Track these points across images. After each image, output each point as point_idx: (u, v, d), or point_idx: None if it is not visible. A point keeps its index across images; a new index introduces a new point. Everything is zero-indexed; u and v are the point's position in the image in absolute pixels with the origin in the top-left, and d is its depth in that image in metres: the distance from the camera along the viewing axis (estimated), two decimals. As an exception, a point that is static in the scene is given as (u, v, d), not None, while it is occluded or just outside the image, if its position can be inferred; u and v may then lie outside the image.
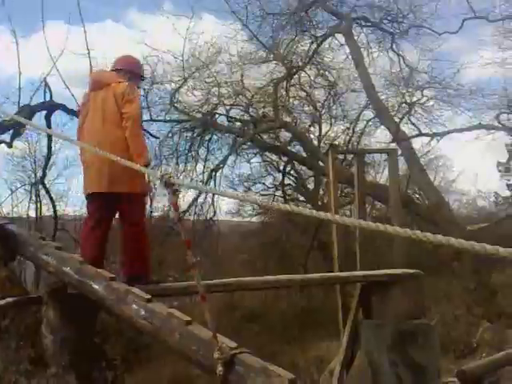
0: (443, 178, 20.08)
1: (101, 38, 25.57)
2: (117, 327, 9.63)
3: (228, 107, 15.80)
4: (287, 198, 16.98)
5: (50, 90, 11.90)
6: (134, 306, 3.32)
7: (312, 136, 16.50)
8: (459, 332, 9.79)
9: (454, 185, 20.30)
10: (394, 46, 15.65)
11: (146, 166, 4.08)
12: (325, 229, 12.75)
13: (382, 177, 16.53)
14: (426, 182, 14.31)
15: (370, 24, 15.87)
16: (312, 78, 16.11)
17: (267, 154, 16.69)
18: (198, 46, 14.73)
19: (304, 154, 15.94)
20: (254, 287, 6.08)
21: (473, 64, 21.39)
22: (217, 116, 15.81)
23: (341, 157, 14.86)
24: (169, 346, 3.12)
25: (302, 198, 17.61)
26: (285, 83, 15.61)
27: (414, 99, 15.55)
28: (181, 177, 14.87)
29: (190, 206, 14.84)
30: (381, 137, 16.43)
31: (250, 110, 15.87)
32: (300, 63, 15.62)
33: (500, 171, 23.48)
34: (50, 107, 12.05)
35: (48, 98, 11.94)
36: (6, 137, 11.75)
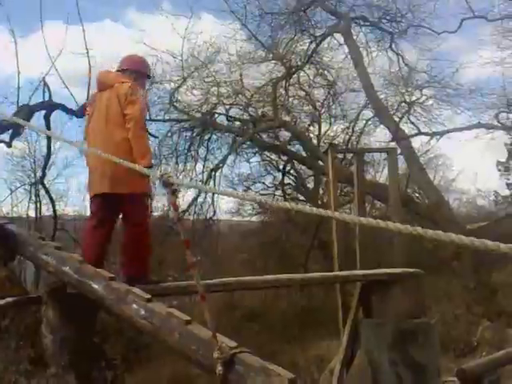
0: (443, 177, 20.11)
1: (99, 37, 25.60)
2: (117, 327, 9.63)
3: (227, 107, 15.81)
4: (287, 197, 16.97)
5: (48, 90, 11.90)
6: (134, 305, 3.31)
7: (311, 135, 16.52)
8: (459, 331, 9.80)
9: (453, 184, 20.34)
10: (393, 46, 15.66)
11: (149, 167, 4.09)
12: (325, 228, 12.76)
13: (382, 176, 16.55)
14: (426, 181, 14.31)
15: (368, 23, 15.86)
16: (311, 77, 16.12)
17: (267, 153, 16.70)
18: (196, 45, 14.73)
19: (303, 154, 15.94)
20: (253, 287, 6.08)
21: (472, 63, 21.52)
22: (216, 115, 15.82)
23: (340, 156, 14.86)
24: (168, 346, 3.12)
25: (301, 198, 17.60)
26: (284, 83, 15.61)
27: (414, 98, 15.57)
28: (180, 176, 14.87)
29: (189, 206, 14.85)
30: (380, 136, 16.46)
31: (250, 109, 15.87)
32: (299, 63, 15.61)
33: (499, 170, 23.51)
34: (49, 107, 12.04)
35: (47, 98, 11.94)
36: (6, 136, 11.76)
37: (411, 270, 6.13)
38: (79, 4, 11.76)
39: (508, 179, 24.01)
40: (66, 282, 3.94)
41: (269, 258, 15.54)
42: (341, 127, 16.82)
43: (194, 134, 15.37)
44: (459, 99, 14.85)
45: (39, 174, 14.20)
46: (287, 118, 15.82)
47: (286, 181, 17.06)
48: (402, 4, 15.20)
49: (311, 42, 15.60)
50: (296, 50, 15.68)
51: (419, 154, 15.35)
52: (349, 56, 15.24)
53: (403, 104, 15.50)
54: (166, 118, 15.06)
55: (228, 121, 15.98)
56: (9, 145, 12.01)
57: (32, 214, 15.55)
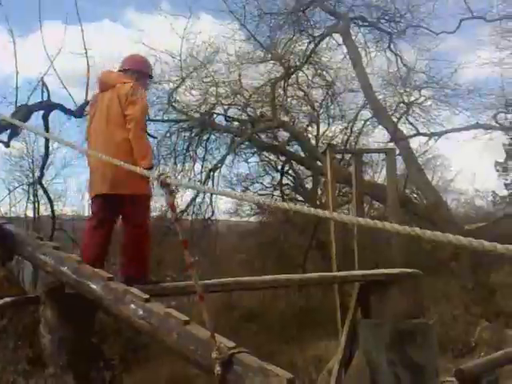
0: (441, 178, 20.14)
1: (98, 37, 25.60)
2: (115, 327, 9.63)
3: (226, 107, 15.81)
4: (285, 197, 16.98)
5: (47, 90, 11.88)
6: (132, 305, 3.31)
7: (310, 136, 16.53)
8: (457, 331, 9.81)
9: (451, 184, 20.37)
10: (391, 46, 15.67)
11: (150, 168, 4.11)
12: (323, 228, 12.76)
13: (380, 176, 16.57)
14: (424, 182, 14.32)
15: (367, 24, 15.87)
16: (310, 77, 16.14)
17: (265, 153, 16.71)
18: (195, 45, 14.73)
19: (302, 154, 15.95)
20: (252, 287, 6.08)
21: (470, 64, 21.36)
22: (215, 116, 15.82)
23: (339, 156, 14.88)
24: (167, 346, 3.12)
25: (300, 198, 17.61)
26: (282, 83, 15.61)
27: (412, 99, 15.58)
28: (179, 176, 14.88)
29: (188, 206, 14.86)
30: (379, 136, 16.47)
31: (248, 109, 15.87)
32: (298, 63, 15.61)
33: (498, 171, 23.56)
34: (48, 107, 12.03)
35: (45, 98, 11.92)
36: (4, 136, 11.73)
37: (409, 270, 6.13)
38: (78, 4, 11.74)
39: (506, 179, 24.08)
40: (64, 282, 3.93)
41: (267, 258, 15.54)
42: (339, 127, 16.87)
43: (193, 134, 15.39)
44: (457, 100, 14.89)
45: (37, 173, 14.20)
46: (286, 119, 15.83)
47: (285, 181, 17.09)
48: (400, 4, 15.24)
49: (310, 43, 15.62)
50: (295, 51, 15.70)
51: (417, 155, 15.38)
52: (347, 56, 15.25)
53: (402, 104, 15.51)
54: (165, 118, 15.07)
55: (226, 121, 15.99)
56: (7, 145, 11.98)
57: (30, 213, 15.57)
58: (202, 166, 15.43)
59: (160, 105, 14.86)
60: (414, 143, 15.30)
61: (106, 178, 4.21)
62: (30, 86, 12.12)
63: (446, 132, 15.04)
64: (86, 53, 11.62)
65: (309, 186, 17.44)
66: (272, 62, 15.63)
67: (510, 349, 6.24)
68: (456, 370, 5.23)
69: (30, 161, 15.80)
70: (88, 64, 11.60)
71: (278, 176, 16.97)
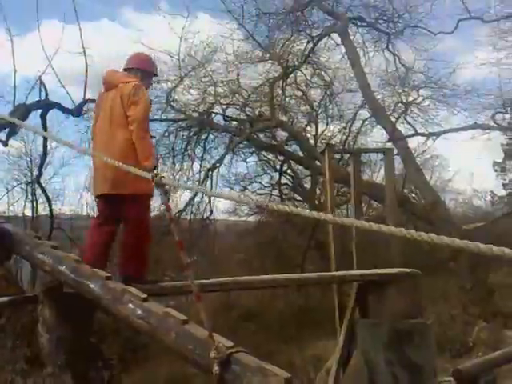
0: (439, 178, 20.17)
1: (96, 36, 25.59)
2: (114, 326, 9.62)
3: (224, 106, 15.81)
4: (284, 197, 17.00)
5: (45, 89, 11.88)
6: (131, 305, 3.31)
7: (308, 135, 16.53)
8: (455, 331, 9.83)
9: (450, 184, 20.40)
10: (389, 46, 15.65)
11: (153, 168, 4.16)
12: (322, 228, 12.76)
13: (379, 176, 16.58)
14: (422, 182, 14.33)
15: (365, 24, 15.86)
16: (308, 77, 16.13)
17: (264, 153, 16.71)
18: (193, 45, 14.72)
19: (300, 154, 15.95)
20: (250, 286, 6.08)
21: (468, 64, 21.55)
22: (213, 115, 15.81)
23: (337, 156, 14.87)
24: (165, 346, 3.12)
25: (298, 198, 17.63)
26: (281, 82, 15.61)
27: (410, 99, 15.58)
28: (177, 176, 14.89)
29: (186, 205, 14.85)
30: (377, 136, 16.48)
31: (247, 109, 15.86)
32: (296, 63, 15.60)
33: (496, 171, 23.61)
34: (46, 106, 12.02)
35: (43, 97, 11.91)
36: (2, 135, 11.73)
37: (408, 270, 6.14)
38: (76, 3, 11.69)
39: (504, 179, 24.13)
40: (62, 282, 3.93)
41: (265, 257, 15.55)
42: (338, 127, 16.87)
43: (191, 134, 15.38)
44: (456, 100, 14.89)
45: (35, 172, 14.18)
46: (284, 118, 15.83)
47: (283, 181, 17.09)
48: (398, 4, 15.22)
49: (308, 42, 15.60)
50: (293, 50, 15.69)
51: (416, 155, 15.39)
52: (346, 56, 15.24)
53: (400, 104, 15.52)
54: (163, 117, 15.06)
55: (225, 120, 15.98)
56: (5, 144, 11.98)
57: (28, 213, 15.54)
58: (201, 166, 15.45)
59: (158, 104, 14.85)
60: (413, 143, 15.31)
61: (107, 178, 4.24)
62: (28, 85, 12.13)
63: (445, 132, 15.03)
64: (84, 52, 11.61)
65: (307, 185, 17.45)
66: (270, 61, 15.62)
67: (508, 349, 6.24)
68: (454, 370, 5.22)
69: (29, 160, 15.79)
70: (86, 63, 11.60)
71: (276, 175, 16.99)
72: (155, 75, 5.03)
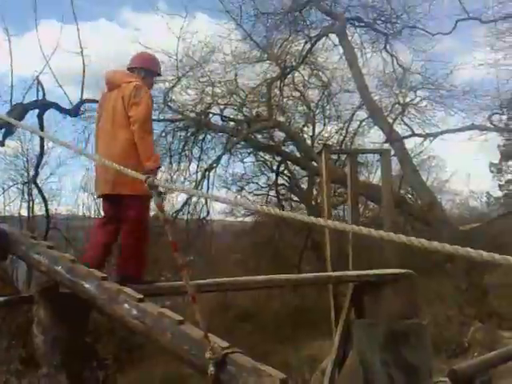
0: (436, 179, 20.22)
1: (94, 36, 25.55)
2: (109, 327, 9.62)
3: (222, 107, 15.80)
4: (281, 197, 17.01)
5: (42, 89, 11.87)
6: (126, 305, 3.31)
7: (305, 136, 16.55)
8: (451, 332, 9.84)
9: (446, 185, 20.46)
10: (387, 47, 15.68)
11: (156, 169, 4.26)
12: (318, 229, 12.77)
13: (375, 177, 16.60)
14: (419, 183, 14.35)
15: (363, 24, 15.88)
16: (306, 77, 16.15)
17: (261, 153, 16.72)
18: (191, 45, 14.70)
19: (297, 154, 15.96)
20: (246, 287, 6.08)
21: (466, 65, 21.55)
22: (210, 115, 15.80)
23: (334, 157, 14.89)
24: (161, 346, 3.12)
25: (295, 198, 17.63)
26: (279, 83, 15.61)
27: (408, 100, 15.61)
28: (174, 176, 14.88)
29: (183, 206, 14.85)
30: (374, 137, 16.52)
31: (244, 109, 15.86)
32: (294, 63, 15.62)
33: (492, 172, 23.68)
34: (43, 106, 12.00)
35: (41, 97, 11.90)
36: (-1, 135, 11.70)
37: (403, 271, 6.15)
38: (74, 3, 11.72)
39: (500, 181, 24.21)
40: (58, 282, 3.92)
41: (262, 258, 15.57)
42: (335, 128, 16.90)
43: (188, 134, 15.36)
44: (453, 101, 14.92)
45: (32, 172, 14.15)
46: (281, 119, 15.83)
47: (280, 181, 17.11)
48: (396, 5, 15.24)
49: (306, 43, 15.61)
50: (291, 51, 15.70)
51: (413, 156, 15.42)
52: (343, 57, 15.26)
53: (397, 105, 15.54)
54: (161, 117, 15.03)
55: (222, 121, 15.98)
56: (1, 143, 11.95)
57: (24, 213, 15.51)
58: (198, 166, 15.43)
59: (156, 104, 14.79)
60: (410, 144, 15.37)
61: (107, 178, 4.26)
62: (25, 85, 12.13)
63: (442, 133, 15.07)
64: (82, 52, 11.63)
65: (304, 186, 17.47)
66: (268, 61, 15.63)
67: (503, 349, 6.26)
68: (449, 371, 5.23)
69: (25, 160, 15.76)
70: (84, 63, 11.61)
71: (273, 176, 17.01)
72: (159, 74, 5.04)
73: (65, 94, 12.10)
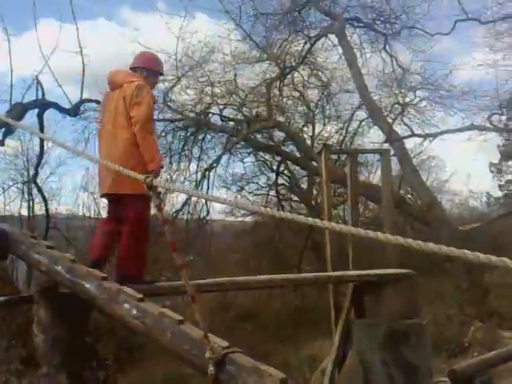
0: (436, 179, 20.20)
1: (93, 36, 25.53)
2: (109, 326, 9.61)
3: (221, 107, 15.79)
4: (281, 197, 17.00)
5: (42, 88, 11.87)
6: (126, 305, 3.31)
7: (305, 136, 16.54)
8: (451, 331, 9.84)
9: (446, 185, 20.43)
10: (386, 47, 15.68)
11: (159, 169, 4.32)
12: (318, 229, 12.76)
13: (375, 177, 16.59)
14: (419, 183, 14.35)
15: (362, 25, 15.88)
16: (305, 77, 16.14)
17: (261, 153, 16.70)
18: (191, 45, 14.69)
19: (297, 154, 15.96)
20: (247, 287, 6.08)
21: (465, 65, 21.53)
22: (210, 115, 15.79)
23: (334, 157, 14.88)
24: (161, 346, 3.12)
25: (295, 198, 17.63)
26: (278, 83, 15.61)
27: (407, 100, 15.61)
28: (174, 176, 14.88)
29: (183, 206, 14.85)
30: (374, 137, 16.50)
31: (244, 109, 15.85)
32: (293, 63, 15.62)
33: (492, 172, 23.68)
34: (42, 105, 12.01)
35: (40, 96, 11.90)
36: (-2, 135, 11.70)
37: (403, 271, 6.15)
38: (73, 2, 11.72)
39: (500, 181, 24.21)
40: (58, 282, 3.93)
41: (262, 258, 15.56)
42: (335, 128, 16.89)
43: (188, 134, 15.35)
44: (452, 101, 14.92)
45: (32, 172, 14.15)
46: (281, 119, 15.83)
47: (280, 181, 17.09)
48: (395, 5, 15.24)
49: (305, 43, 15.61)
50: (290, 51, 15.70)
51: (412, 156, 15.41)
52: (343, 57, 15.26)
53: (397, 105, 15.55)
54: (160, 117, 15.02)
55: (222, 121, 15.97)
56: (1, 143, 11.95)
57: (24, 212, 15.51)
58: (198, 166, 15.42)
59: (155, 104, 14.80)
60: (409, 144, 15.36)
61: (108, 177, 4.28)
62: (24, 84, 12.13)
63: (441, 133, 15.08)
64: (81, 51, 11.63)
65: (304, 186, 17.46)
66: (268, 62, 15.62)
67: (503, 349, 6.26)
68: (449, 371, 5.24)
69: (25, 159, 15.76)
70: (83, 62, 11.61)
71: (273, 176, 16.99)
72: (161, 74, 5.06)
73: (64, 93, 12.11)
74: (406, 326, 5.76)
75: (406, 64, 15.60)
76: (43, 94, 11.92)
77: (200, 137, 15.44)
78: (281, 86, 15.71)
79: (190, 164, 15.48)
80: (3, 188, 15.72)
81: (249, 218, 17.66)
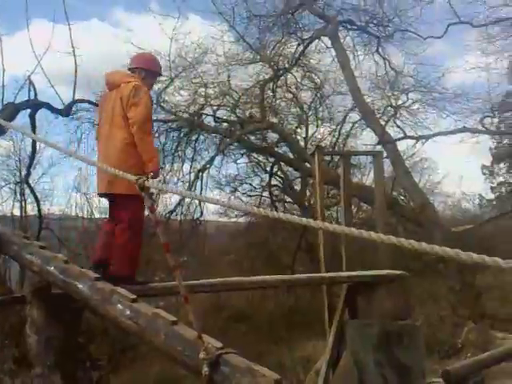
0: (428, 180, 20.25)
1: (86, 36, 25.41)
2: (103, 327, 9.56)
3: (215, 108, 15.78)
4: (274, 198, 17.01)
5: (34, 88, 11.80)
6: (119, 306, 3.30)
7: (299, 137, 16.55)
8: (444, 332, 9.87)
9: (438, 187, 20.48)
10: (379, 50, 15.72)
11: (157, 170, 4.32)
12: (312, 230, 12.78)
13: (368, 179, 16.63)
14: (411, 184, 14.41)
15: (355, 27, 15.94)
16: (298, 79, 16.17)
17: (254, 154, 16.71)
18: (184, 46, 14.67)
19: (291, 155, 15.98)
20: (240, 287, 6.09)
21: (457, 68, 21.72)
22: (203, 116, 15.78)
23: (327, 158, 14.92)
24: (154, 347, 3.11)
25: (288, 199, 17.64)
26: (271, 84, 15.63)
27: (400, 102, 15.66)
28: (167, 177, 14.86)
29: (176, 206, 14.83)
30: (367, 139, 16.53)
31: (237, 110, 15.85)
32: (286, 65, 15.64)
33: (484, 174, 23.85)
34: (35, 106, 11.94)
35: (32, 97, 11.83)
36: (-10, 135, 11.63)
37: (397, 271, 6.18)
38: (66, 2, 11.65)
39: (492, 183, 24.38)
40: (50, 282, 3.91)
41: (256, 258, 15.55)
42: (328, 130, 16.91)
43: (182, 135, 15.34)
44: (445, 103, 15.01)
45: (24, 172, 14.06)
46: (275, 120, 15.84)
47: (273, 182, 17.09)
48: (388, 8, 15.32)
49: (299, 45, 15.65)
50: (283, 53, 15.72)
51: (405, 158, 15.47)
52: (336, 59, 15.31)
53: (389, 108, 15.59)
54: (154, 118, 14.96)
55: (215, 122, 15.96)
56: (-7, 143, 11.89)
57: (17, 213, 15.40)
58: (191, 167, 15.40)
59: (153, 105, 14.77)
60: (402, 146, 15.41)
61: (103, 177, 4.30)
62: (16, 85, 12.06)
63: (434, 135, 15.14)
64: (74, 52, 11.57)
65: (297, 187, 17.48)
66: (261, 63, 15.63)
67: (496, 350, 6.30)
68: (442, 371, 5.26)
69: (17, 159, 15.63)
70: (76, 63, 11.57)
71: (266, 177, 16.99)
72: (160, 75, 5.06)
73: (56, 93, 12.04)
74: (399, 326, 5.77)
75: (399, 67, 15.69)
76: (35, 95, 11.86)
77: (193, 138, 15.43)
78: (274, 87, 15.73)
79: (183, 165, 15.48)
80: (-5, 188, 15.61)
81: (242, 219, 17.67)
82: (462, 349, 9.26)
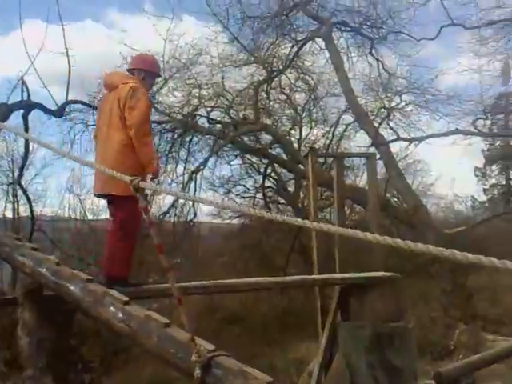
0: (421, 182, 20.29)
1: (80, 37, 25.30)
2: (94, 329, 9.52)
3: (209, 109, 15.77)
4: (268, 200, 17.01)
5: (27, 89, 11.79)
6: (112, 308, 3.29)
7: (292, 139, 16.57)
8: (436, 334, 9.90)
9: (431, 189, 20.53)
10: (373, 51, 15.80)
11: (156, 172, 4.32)
12: (305, 232, 12.79)
13: (361, 180, 16.67)
14: (404, 186, 14.48)
15: (349, 29, 16.00)
16: (292, 81, 16.20)
17: (248, 156, 16.71)
18: (178, 47, 14.67)
19: (284, 157, 16.00)
20: (234, 289, 6.09)
21: (450, 70, 21.75)
22: (197, 117, 15.77)
23: (321, 160, 14.94)
24: (147, 349, 3.10)
25: (282, 201, 17.65)
26: (265, 86, 15.65)
27: (393, 104, 15.74)
28: (161, 178, 14.82)
29: (170, 208, 14.80)
30: (360, 141, 16.58)
31: (231, 112, 15.86)
32: (280, 66, 15.67)
33: (477, 176, 23.97)
34: (28, 106, 11.92)
35: (25, 97, 11.81)
36: (-17, 136, 11.58)
37: (389, 274, 6.20)
38: (60, 3, 11.65)
39: (485, 185, 24.51)
40: (42, 284, 3.90)
41: (249, 260, 15.53)
42: (321, 131, 16.95)
43: (175, 136, 15.32)
44: (438, 105, 15.11)
45: (17, 173, 14.00)
46: (268, 122, 15.86)
47: (267, 184, 17.10)
48: (382, 10, 15.41)
49: (293, 46, 15.69)
50: (277, 54, 15.76)
51: (398, 159, 15.54)
52: (329, 61, 15.37)
53: (383, 109, 15.66)
54: (147, 119, 14.94)
55: (209, 123, 15.95)
56: (-14, 144, 11.83)
57: (9, 214, 15.31)
58: (185, 168, 15.38)
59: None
60: (395, 148, 15.49)
61: (99, 178, 4.31)
62: (9, 85, 12.03)
63: (427, 137, 15.21)
64: (67, 52, 11.58)
65: (291, 188, 17.49)
66: (255, 65, 15.66)
67: (486, 352, 6.33)
68: (434, 373, 5.28)
69: (10, 160, 15.55)
70: (69, 63, 11.57)
71: (260, 178, 17.00)
72: (159, 76, 5.07)
73: (50, 94, 12.03)
74: (391, 328, 5.80)
75: (392, 68, 15.78)
76: (28, 95, 11.84)
77: (187, 139, 15.42)
78: (268, 89, 15.76)
79: (177, 166, 15.45)
80: (-13, 189, 15.51)
81: (236, 221, 17.66)
82: (454, 350, 9.29)
